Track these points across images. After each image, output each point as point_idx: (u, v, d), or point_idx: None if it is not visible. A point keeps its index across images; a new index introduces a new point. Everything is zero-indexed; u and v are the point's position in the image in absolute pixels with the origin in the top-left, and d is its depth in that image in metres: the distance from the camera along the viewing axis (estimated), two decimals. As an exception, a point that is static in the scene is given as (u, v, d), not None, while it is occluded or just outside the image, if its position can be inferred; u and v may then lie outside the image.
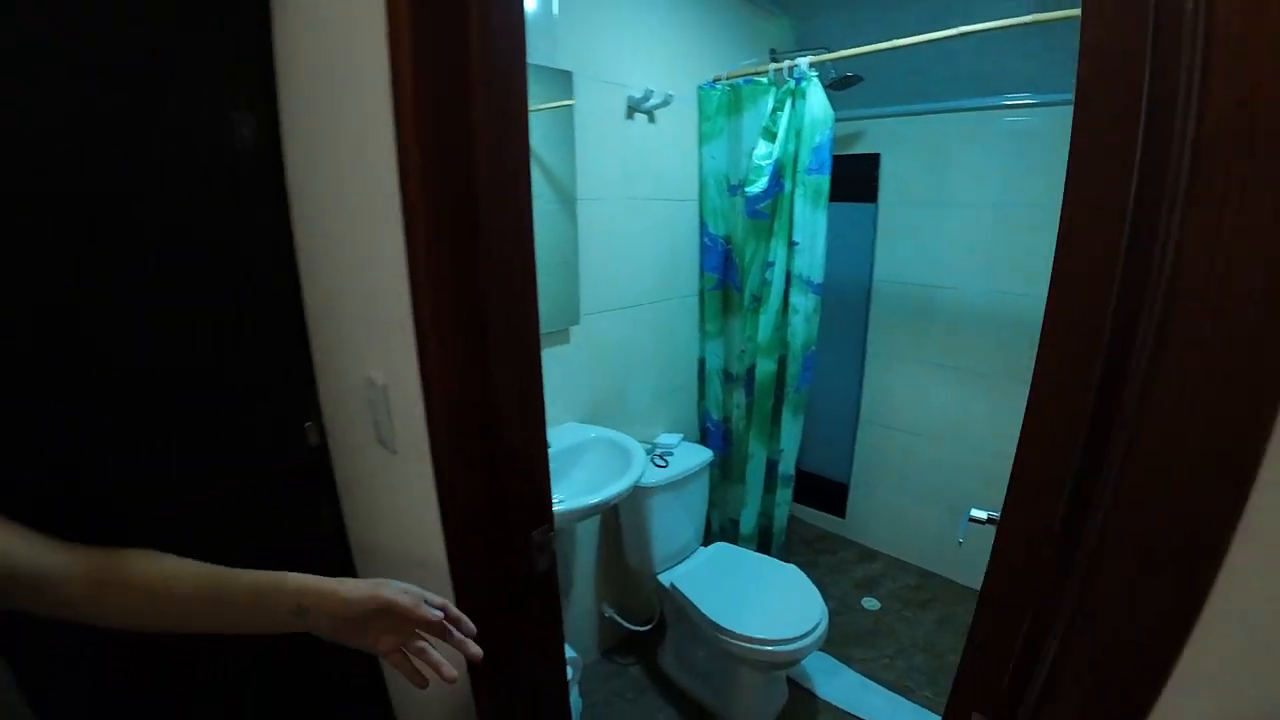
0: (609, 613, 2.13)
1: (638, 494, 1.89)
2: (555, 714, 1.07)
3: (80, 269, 1.02)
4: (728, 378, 2.33)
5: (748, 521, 2.32)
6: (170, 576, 0.61)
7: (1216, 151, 0.39)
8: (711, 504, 2.37)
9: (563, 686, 1.07)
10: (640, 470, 1.60)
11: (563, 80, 1.62)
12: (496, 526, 0.88)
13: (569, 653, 1.43)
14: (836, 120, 1.92)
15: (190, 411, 1.19)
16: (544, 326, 0.92)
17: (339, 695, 1.46)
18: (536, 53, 1.55)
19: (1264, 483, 0.40)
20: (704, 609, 1.77)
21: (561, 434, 1.76)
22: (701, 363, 2.35)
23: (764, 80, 1.94)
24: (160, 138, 1.07)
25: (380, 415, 0.97)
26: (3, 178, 0.92)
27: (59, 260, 0.99)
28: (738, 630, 1.68)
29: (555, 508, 1.02)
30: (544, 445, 0.93)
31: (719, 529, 2.52)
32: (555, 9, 1.60)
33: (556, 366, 1.77)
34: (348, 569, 1.45)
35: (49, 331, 1.00)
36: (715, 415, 2.38)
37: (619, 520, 2.05)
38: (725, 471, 2.43)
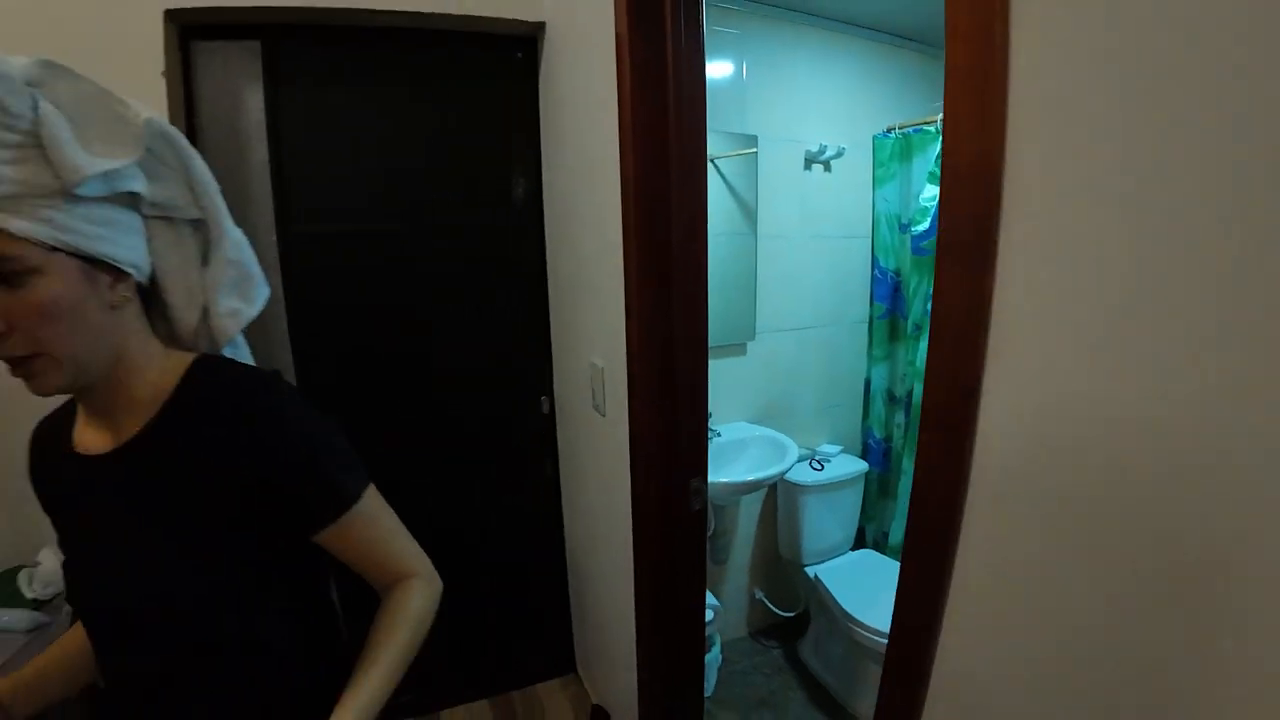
0: (759, 595, 2.42)
1: (792, 490, 2.17)
2: (692, 627, 1.43)
3: (422, 276, 1.67)
4: (890, 398, 2.50)
5: (896, 534, 2.45)
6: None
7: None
8: (868, 516, 2.54)
9: (701, 604, 1.42)
10: (790, 464, 1.89)
11: (749, 140, 2.00)
12: (666, 472, 1.28)
13: (711, 600, 1.78)
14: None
15: (473, 384, 1.79)
16: (723, 339, 1.30)
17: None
18: (729, 121, 1.95)
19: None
20: (840, 599, 1.99)
21: (732, 429, 2.11)
22: (867, 383, 2.55)
23: (932, 129, 2.12)
24: (475, 191, 1.69)
25: (597, 387, 1.43)
26: (396, 211, 1.59)
27: (410, 269, 1.65)
28: (868, 622, 1.88)
29: (717, 479, 1.38)
30: (704, 421, 1.31)
31: (872, 541, 2.66)
32: (745, 75, 1.97)
33: (732, 374, 2.13)
34: (558, 518, 1.96)
35: (403, 324, 1.65)
36: (878, 434, 2.55)
37: (776, 513, 2.34)
38: (883, 488, 2.58)
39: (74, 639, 0.81)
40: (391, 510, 0.76)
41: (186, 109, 1.44)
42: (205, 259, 0.73)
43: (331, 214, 1.59)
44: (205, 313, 0.73)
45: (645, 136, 1.14)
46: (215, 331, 0.74)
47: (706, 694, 1.74)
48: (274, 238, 1.53)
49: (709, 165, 1.43)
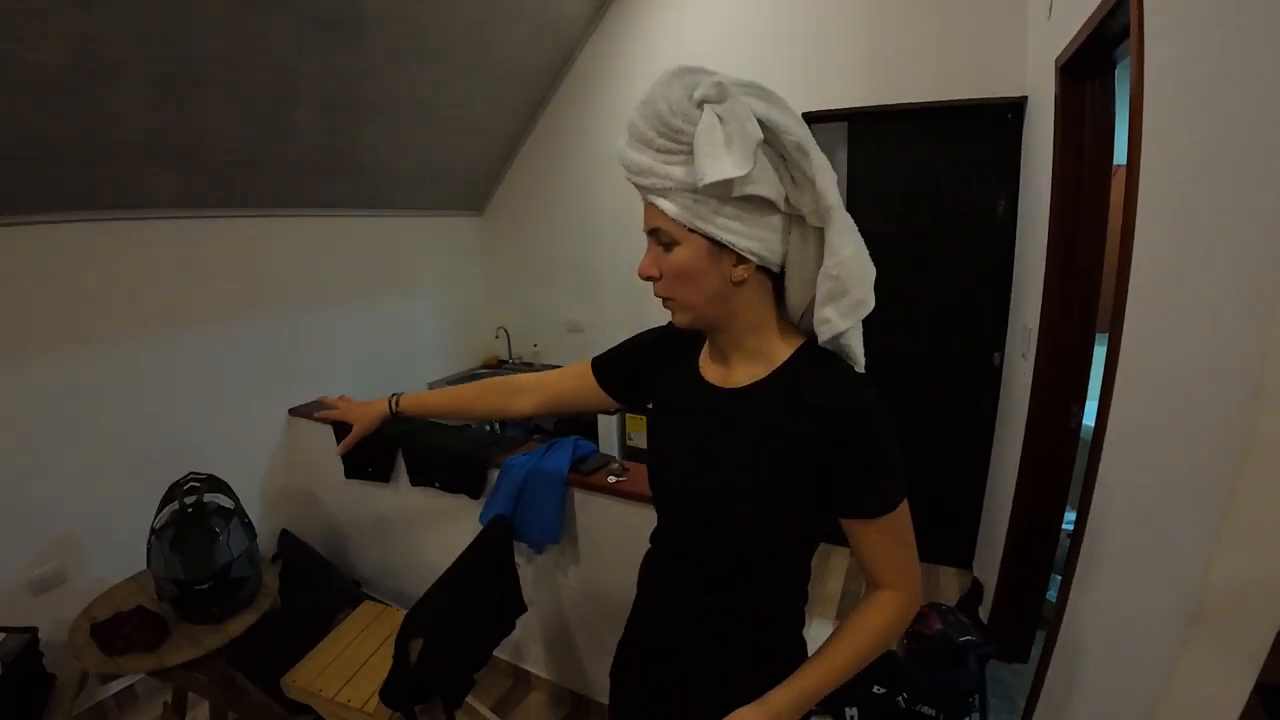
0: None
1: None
2: (1048, 517, 1.98)
3: (927, 266, 2.57)
4: None
5: None
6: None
7: None
8: None
9: (1059, 502, 1.95)
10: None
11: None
12: (1050, 400, 1.89)
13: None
14: None
15: (950, 341, 2.62)
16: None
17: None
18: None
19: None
20: None
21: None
22: None
23: None
24: (968, 209, 2.47)
25: (1026, 341, 2.09)
26: (913, 224, 2.53)
27: (920, 262, 2.56)
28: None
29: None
30: (1089, 363, 1.84)
31: None
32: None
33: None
34: (989, 442, 2.61)
35: (906, 297, 2.60)
36: None
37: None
38: None
39: (490, 393, 1.18)
40: (910, 527, 0.81)
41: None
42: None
43: (877, 225, 2.64)
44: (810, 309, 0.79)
45: (1065, 172, 1.77)
46: (814, 327, 0.78)
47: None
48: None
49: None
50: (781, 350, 0.81)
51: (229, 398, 2.33)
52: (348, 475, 2.22)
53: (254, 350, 2.42)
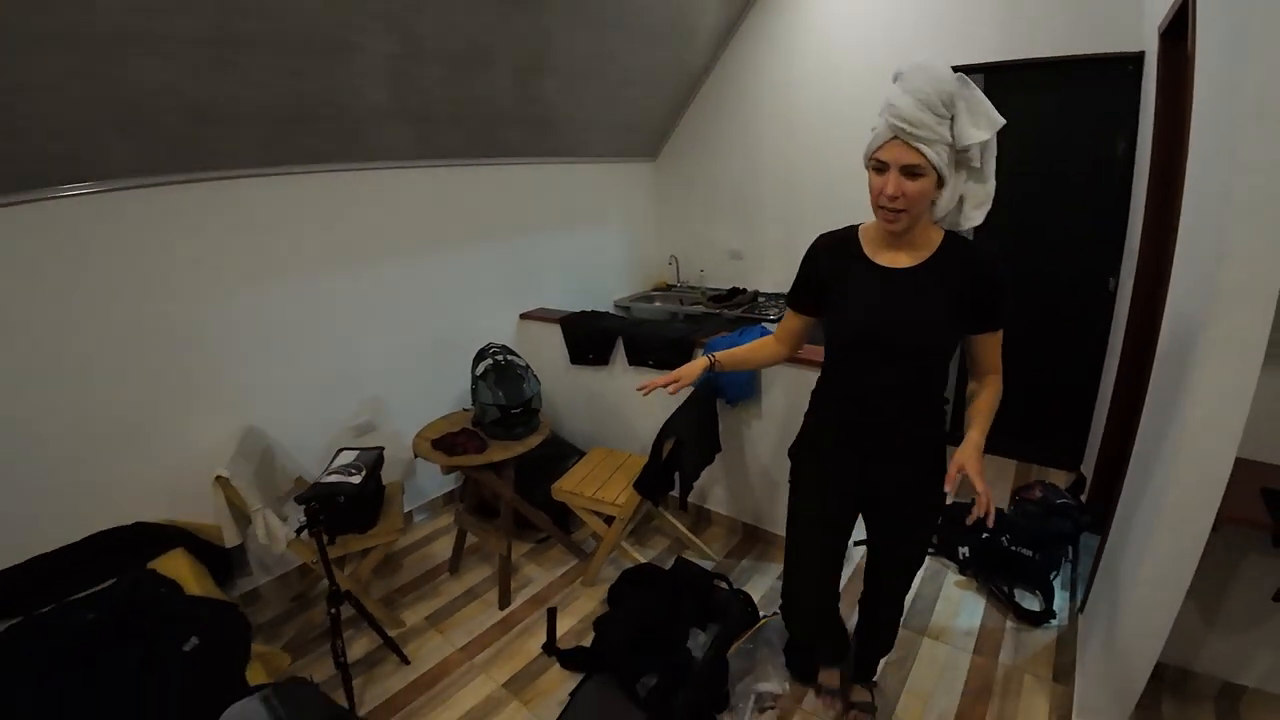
0: None
1: None
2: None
3: (1048, 203, 2.96)
4: None
5: None
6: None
7: None
8: None
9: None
10: None
11: None
12: (1146, 298, 2.30)
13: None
14: None
15: (1069, 269, 3.00)
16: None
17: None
18: None
19: None
20: None
21: None
22: None
23: None
24: (1088, 151, 2.83)
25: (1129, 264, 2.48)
26: (1034, 166, 2.92)
27: (1040, 199, 2.96)
28: None
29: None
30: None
31: None
32: None
33: None
34: (1101, 355, 2.99)
35: (1031, 228, 3.00)
36: None
37: None
38: None
39: (764, 349, 1.62)
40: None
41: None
42: (967, 189, 1.25)
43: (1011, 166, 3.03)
44: (956, 212, 1.28)
45: (1163, 124, 2.14)
46: (962, 222, 1.29)
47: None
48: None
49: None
50: (935, 240, 1.29)
51: (479, 303, 3.13)
52: (573, 361, 2.97)
53: (494, 268, 3.20)
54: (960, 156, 1.20)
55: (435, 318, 2.96)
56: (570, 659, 2.03)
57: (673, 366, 2.52)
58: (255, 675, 1.63)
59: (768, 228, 3.87)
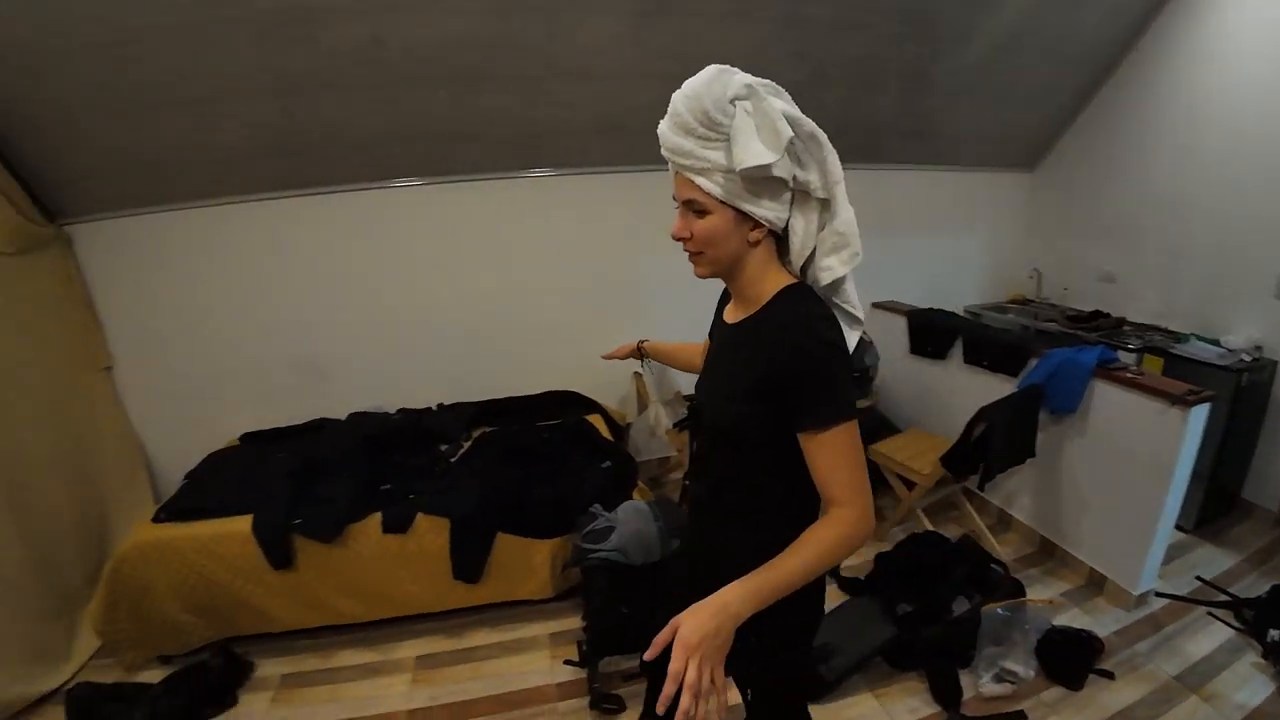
0: None
1: None
2: None
3: None
4: None
5: None
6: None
7: None
8: None
9: None
10: None
11: None
12: None
13: None
14: None
15: None
16: None
17: None
18: None
19: None
20: None
21: None
22: None
23: None
24: None
25: None
26: None
27: None
28: None
29: None
30: None
31: None
32: None
33: None
34: None
35: None
36: None
37: None
38: None
39: (692, 351, 1.41)
40: (858, 450, 0.89)
41: None
42: (822, 226, 0.95)
43: None
44: (811, 260, 0.97)
45: None
46: (816, 273, 0.96)
47: None
48: None
49: None
50: (767, 293, 0.95)
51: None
52: (912, 351, 3.22)
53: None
54: (797, 186, 0.91)
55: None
56: (847, 582, 2.42)
57: (1007, 370, 2.80)
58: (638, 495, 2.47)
59: (1148, 256, 3.41)
